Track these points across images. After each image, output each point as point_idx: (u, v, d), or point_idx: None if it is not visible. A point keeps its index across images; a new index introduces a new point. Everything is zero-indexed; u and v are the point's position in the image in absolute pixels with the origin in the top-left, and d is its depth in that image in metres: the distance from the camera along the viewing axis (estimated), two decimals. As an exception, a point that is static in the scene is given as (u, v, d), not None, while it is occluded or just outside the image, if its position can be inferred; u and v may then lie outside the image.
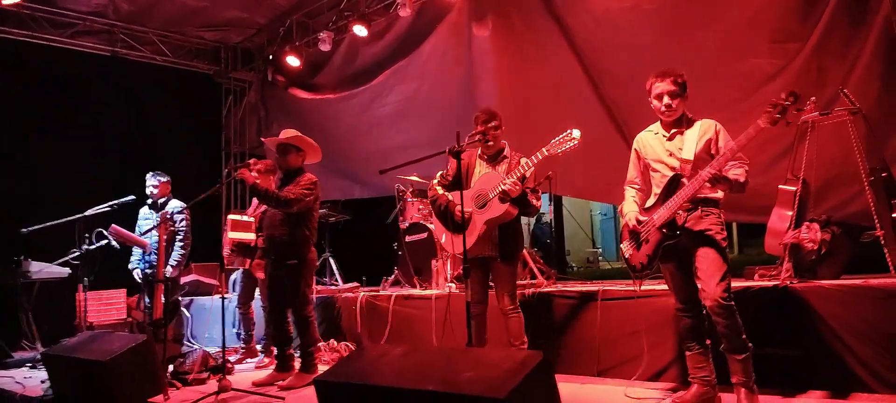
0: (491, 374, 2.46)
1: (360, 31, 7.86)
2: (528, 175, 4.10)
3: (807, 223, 4.19)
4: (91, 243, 6.02)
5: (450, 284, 5.78)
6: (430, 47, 7.61)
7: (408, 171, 6.64)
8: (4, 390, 5.26)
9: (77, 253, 6.08)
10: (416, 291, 6.05)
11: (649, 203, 3.58)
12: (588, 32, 6.17)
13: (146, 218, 6.40)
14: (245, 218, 5.90)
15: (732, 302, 3.27)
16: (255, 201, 5.99)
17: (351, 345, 5.92)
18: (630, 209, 3.68)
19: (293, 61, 8.70)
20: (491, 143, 4.23)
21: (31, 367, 6.36)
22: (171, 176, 6.48)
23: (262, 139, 6.19)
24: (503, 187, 3.98)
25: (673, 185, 3.42)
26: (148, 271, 6.16)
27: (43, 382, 5.16)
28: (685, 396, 3.59)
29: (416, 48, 7.76)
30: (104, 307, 7.41)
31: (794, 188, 4.28)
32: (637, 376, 4.19)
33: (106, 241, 6.15)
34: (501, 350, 4.02)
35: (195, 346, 6.53)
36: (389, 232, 7.25)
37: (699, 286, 3.36)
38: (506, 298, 4.18)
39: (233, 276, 6.96)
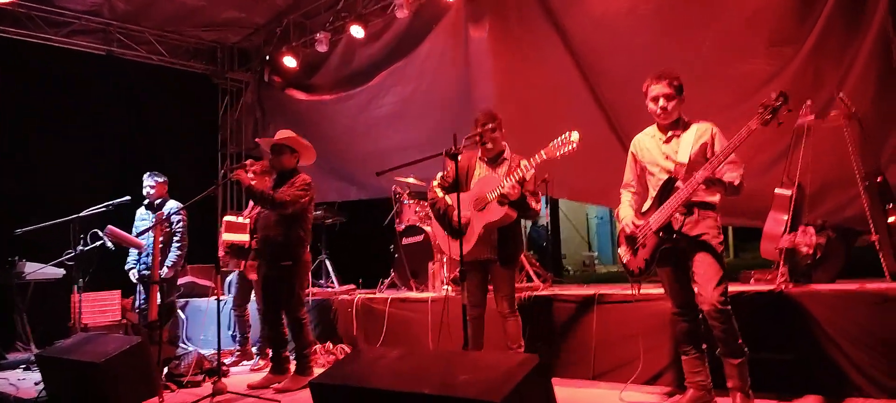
0: (487, 377, 2.46)
1: (356, 31, 7.85)
2: (527, 177, 4.08)
3: (802, 227, 4.20)
4: (86, 244, 5.99)
5: (446, 287, 5.78)
6: (428, 48, 7.62)
7: (404, 173, 6.63)
8: (-2, 391, 5.24)
9: (72, 254, 6.06)
10: (413, 294, 6.04)
11: (645, 206, 3.58)
12: (585, 34, 6.18)
13: (143, 218, 6.39)
14: (240, 219, 5.89)
15: (729, 307, 3.28)
16: (251, 202, 5.98)
17: (347, 348, 5.91)
18: (626, 213, 3.68)
19: (290, 62, 8.70)
20: (490, 146, 4.21)
21: (25, 369, 6.34)
22: (168, 176, 6.46)
23: (257, 140, 6.19)
24: (502, 190, 3.97)
25: (668, 188, 3.42)
26: (145, 272, 6.14)
27: (37, 384, 5.13)
28: (681, 400, 3.59)
29: (413, 49, 7.77)
30: (99, 308, 7.38)
31: (789, 192, 4.29)
32: (633, 380, 4.18)
33: (101, 242, 6.13)
34: (498, 353, 4.02)
35: (190, 348, 6.51)
36: (386, 235, 7.24)
37: (696, 290, 3.37)
38: (504, 302, 4.18)
39: (228, 278, 6.95)
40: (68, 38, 8.46)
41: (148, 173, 6.36)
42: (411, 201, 6.78)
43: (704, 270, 3.32)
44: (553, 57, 6.41)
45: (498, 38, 6.84)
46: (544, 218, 8.68)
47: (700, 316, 3.48)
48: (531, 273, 5.67)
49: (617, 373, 4.41)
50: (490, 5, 6.91)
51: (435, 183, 4.44)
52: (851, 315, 3.63)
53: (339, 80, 8.74)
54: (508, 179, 3.98)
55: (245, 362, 6.25)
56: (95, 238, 6.08)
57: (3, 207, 7.62)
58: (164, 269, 6.05)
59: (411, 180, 6.79)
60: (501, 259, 4.14)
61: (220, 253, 5.95)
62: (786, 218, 4.25)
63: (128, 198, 6.21)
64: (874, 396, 3.50)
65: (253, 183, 4.87)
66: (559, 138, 3.81)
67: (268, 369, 5.28)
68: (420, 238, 6.39)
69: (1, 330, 6.97)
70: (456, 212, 3.95)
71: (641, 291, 4.10)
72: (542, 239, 8.87)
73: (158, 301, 5.19)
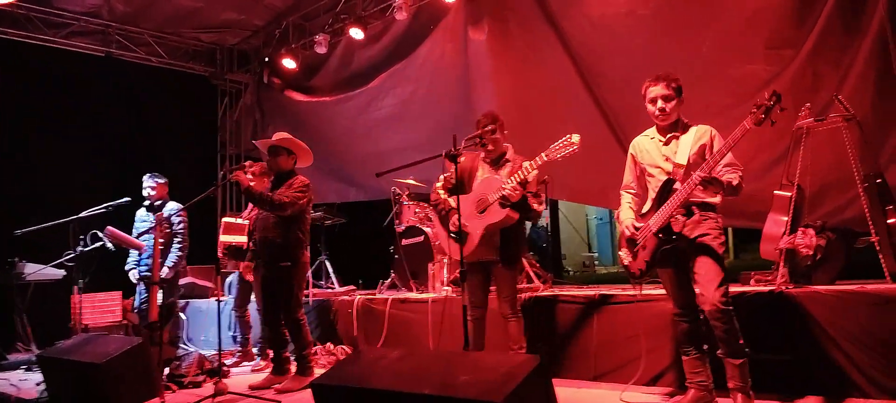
0: (488, 378, 2.47)
1: (356, 33, 7.86)
2: (530, 179, 4.08)
3: (802, 228, 4.21)
4: (86, 245, 6.00)
5: (446, 288, 5.78)
6: (427, 50, 7.63)
7: (404, 174, 6.63)
8: (-1, 392, 5.24)
9: (72, 255, 6.06)
10: (413, 295, 6.05)
11: (645, 208, 3.59)
12: (584, 36, 6.19)
13: (143, 220, 6.39)
14: (239, 220, 5.89)
15: (731, 307, 3.28)
16: (250, 203, 5.98)
17: (347, 349, 5.92)
18: (626, 216, 3.68)
19: (289, 63, 8.71)
20: (491, 147, 4.22)
21: (26, 369, 6.35)
22: (167, 177, 6.47)
23: (254, 142, 6.20)
24: (503, 192, 3.98)
25: (666, 190, 3.43)
26: (147, 274, 6.14)
27: (38, 384, 5.14)
28: (682, 401, 3.60)
29: (412, 51, 7.78)
30: (99, 309, 7.39)
31: (789, 194, 4.30)
32: (634, 380, 4.19)
33: (101, 243, 6.13)
34: (498, 353, 4.02)
35: (191, 349, 6.52)
36: (386, 236, 7.25)
37: (697, 290, 3.38)
38: (506, 303, 4.18)
39: (229, 279, 6.95)
40: (67, 39, 8.47)
41: (148, 174, 6.36)
42: (411, 202, 6.79)
43: (706, 271, 3.32)
44: (552, 58, 6.42)
45: (497, 39, 6.85)
46: (544, 220, 8.69)
47: (701, 316, 3.49)
48: (531, 274, 5.67)
49: (617, 374, 4.42)
50: (489, 7, 6.92)
51: (438, 184, 4.44)
52: (851, 315, 3.64)
53: (339, 82, 8.74)
54: (510, 181, 3.98)
55: (246, 363, 6.25)
56: (95, 239, 6.09)
57: (3, 208, 7.63)
58: (165, 270, 6.05)
59: (411, 181, 6.80)
60: (503, 260, 4.14)
61: (219, 254, 5.96)
62: (785, 219, 4.26)
63: (128, 198, 6.22)
64: (874, 396, 3.51)
65: (252, 184, 4.88)
66: (560, 140, 3.81)
67: (269, 370, 5.29)
68: (420, 239, 6.40)
69: (2, 330, 6.97)
70: (456, 217, 3.95)
71: (642, 292, 4.10)
72: (542, 240, 8.88)
73: (159, 301, 5.20)
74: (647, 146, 3.65)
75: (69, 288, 6.49)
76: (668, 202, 3.38)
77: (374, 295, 6.36)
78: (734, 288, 3.88)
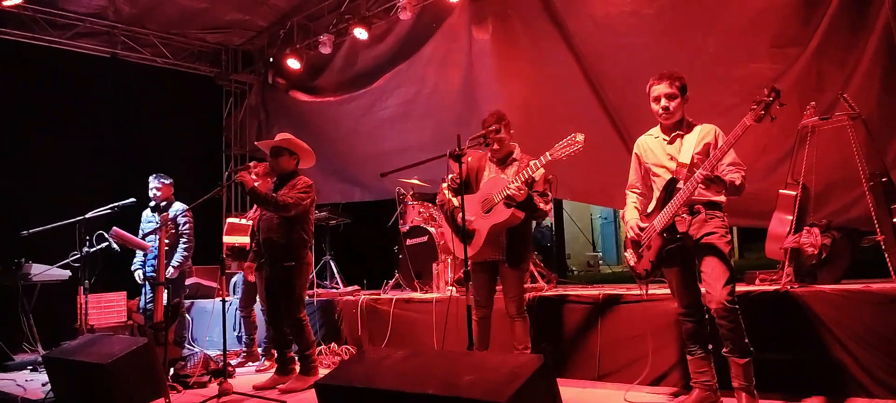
0: (492, 378, 2.47)
1: (360, 33, 7.87)
2: (536, 177, 4.08)
3: (807, 227, 4.20)
4: (92, 245, 6.02)
5: (450, 288, 5.78)
6: (431, 50, 7.63)
7: (408, 174, 6.64)
8: (5, 393, 5.26)
9: (78, 256, 6.08)
10: (417, 295, 6.05)
11: (650, 208, 3.59)
12: (588, 36, 6.18)
13: (149, 220, 6.42)
14: (243, 221, 5.91)
15: (737, 306, 3.28)
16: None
17: (351, 349, 5.92)
18: (631, 216, 3.68)
19: (294, 64, 8.72)
20: (496, 147, 4.21)
21: (31, 370, 6.37)
22: (172, 177, 6.49)
23: (256, 143, 6.22)
24: (508, 192, 3.97)
25: (670, 189, 3.43)
26: (152, 275, 6.16)
27: (44, 385, 5.16)
28: (686, 400, 3.59)
29: (416, 51, 7.78)
30: (105, 309, 7.42)
31: (794, 193, 4.29)
32: (639, 380, 4.18)
33: (106, 244, 6.16)
34: (503, 353, 4.02)
35: (196, 349, 6.53)
36: (390, 236, 7.25)
37: (704, 289, 3.37)
38: (512, 303, 4.18)
39: (234, 279, 6.97)
40: (73, 40, 8.49)
41: (154, 175, 6.39)
42: (415, 202, 6.79)
43: (712, 269, 3.32)
44: (556, 58, 6.41)
45: (501, 39, 6.85)
46: (548, 219, 8.66)
47: (706, 316, 3.49)
48: (536, 273, 5.67)
49: (622, 374, 4.41)
50: (493, 7, 6.92)
51: (444, 184, 4.44)
52: (856, 315, 3.63)
53: (343, 82, 8.75)
54: (515, 181, 3.97)
55: (251, 363, 6.27)
56: (101, 239, 6.11)
57: (7, 209, 7.67)
58: (170, 269, 6.08)
59: (415, 181, 6.81)
60: (509, 260, 4.14)
61: (224, 252, 5.97)
62: (791, 218, 4.25)
63: (133, 199, 6.25)
64: (880, 396, 3.50)
65: (256, 185, 4.89)
66: (565, 139, 3.81)
67: (273, 370, 5.30)
68: (424, 239, 6.40)
69: (8, 331, 7.00)
70: (461, 215, 3.95)
71: (647, 293, 4.09)
72: (546, 240, 8.87)
73: (164, 302, 5.22)
74: (651, 145, 3.65)
75: (75, 288, 6.52)
76: (672, 201, 3.38)
77: (379, 295, 6.37)
78: (739, 288, 3.86)
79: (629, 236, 3.65)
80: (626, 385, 4.24)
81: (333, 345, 6.02)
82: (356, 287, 7.33)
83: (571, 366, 4.67)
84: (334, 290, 7.37)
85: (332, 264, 7.75)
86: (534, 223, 8.36)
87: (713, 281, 3.31)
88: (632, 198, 3.77)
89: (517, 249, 4.16)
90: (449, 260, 5.99)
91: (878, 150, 4.29)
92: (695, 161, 3.36)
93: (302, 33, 8.88)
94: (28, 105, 8.20)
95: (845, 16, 4.75)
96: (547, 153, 3.88)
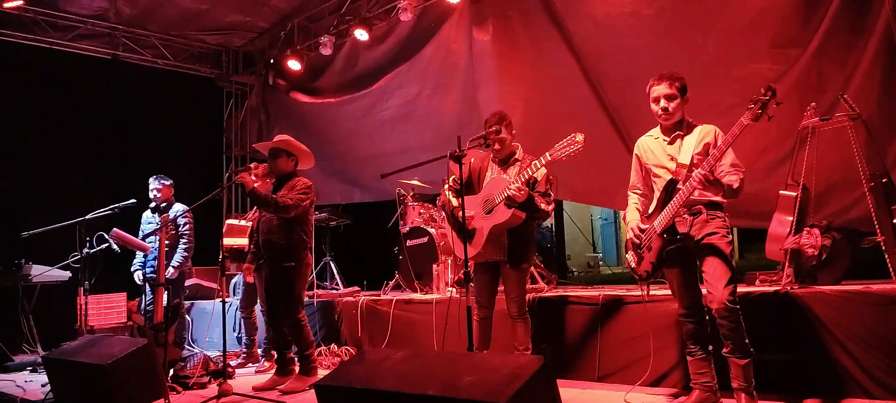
0: (492, 378, 2.47)
1: (361, 35, 7.87)
2: (538, 177, 4.08)
3: (807, 228, 4.19)
4: (92, 246, 6.02)
5: (450, 289, 5.78)
6: (432, 51, 7.63)
7: (409, 175, 6.64)
8: (5, 394, 5.26)
9: (78, 257, 6.08)
10: (417, 295, 6.05)
11: (651, 208, 3.58)
12: (588, 36, 6.18)
13: (149, 221, 6.43)
14: (242, 222, 5.92)
15: (738, 306, 3.28)
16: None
17: (351, 349, 5.92)
18: (632, 217, 3.68)
19: (294, 65, 8.72)
20: (498, 147, 4.21)
21: (31, 371, 6.38)
22: (172, 178, 6.50)
23: (254, 145, 6.22)
24: (508, 192, 3.97)
25: (670, 190, 3.43)
26: (152, 276, 6.16)
27: (43, 386, 5.17)
28: (686, 401, 3.59)
29: (417, 52, 7.78)
30: (105, 310, 7.42)
31: (794, 193, 4.29)
32: (641, 382, 4.17)
33: (106, 245, 6.16)
34: (502, 354, 4.02)
35: (196, 350, 6.53)
36: (390, 237, 7.26)
37: (705, 290, 3.37)
38: (514, 304, 4.18)
39: (234, 280, 6.96)
40: (74, 42, 8.50)
41: (154, 176, 6.40)
42: (415, 203, 6.79)
43: (714, 270, 3.32)
44: (556, 58, 6.41)
45: (501, 40, 6.85)
46: (549, 220, 8.67)
47: (706, 317, 3.49)
48: (536, 274, 5.67)
49: (622, 375, 4.41)
50: (493, 8, 6.92)
51: (446, 186, 4.44)
52: (857, 316, 3.62)
53: (344, 84, 8.76)
54: (516, 181, 3.97)
55: (251, 364, 6.26)
56: (101, 240, 6.12)
57: (7, 209, 7.67)
58: (170, 269, 6.08)
59: (415, 182, 6.81)
60: (510, 261, 4.14)
61: (221, 256, 5.97)
62: (791, 219, 4.25)
63: (133, 200, 6.25)
64: (879, 397, 3.50)
65: (257, 186, 4.90)
66: (564, 139, 3.80)
67: (273, 371, 5.30)
68: (424, 240, 6.40)
69: (7, 332, 7.00)
70: (464, 215, 3.95)
71: (648, 294, 4.09)
72: (546, 241, 8.88)
73: (164, 303, 5.22)
74: (651, 146, 3.64)
75: (75, 289, 6.53)
76: (672, 202, 3.38)
77: (379, 295, 6.37)
78: (739, 289, 3.86)
79: (629, 236, 3.65)
80: (626, 386, 4.23)
81: (333, 346, 6.02)
82: (356, 288, 7.34)
83: (571, 367, 4.67)
84: (334, 291, 7.37)
85: (332, 265, 7.75)
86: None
87: (715, 281, 3.31)
88: (633, 199, 3.77)
89: (519, 250, 4.16)
90: (449, 261, 5.99)
91: (878, 151, 4.29)
92: (695, 161, 3.35)
93: (302, 34, 8.88)
94: (29, 106, 8.21)
95: (845, 16, 4.75)
96: (547, 153, 3.87)
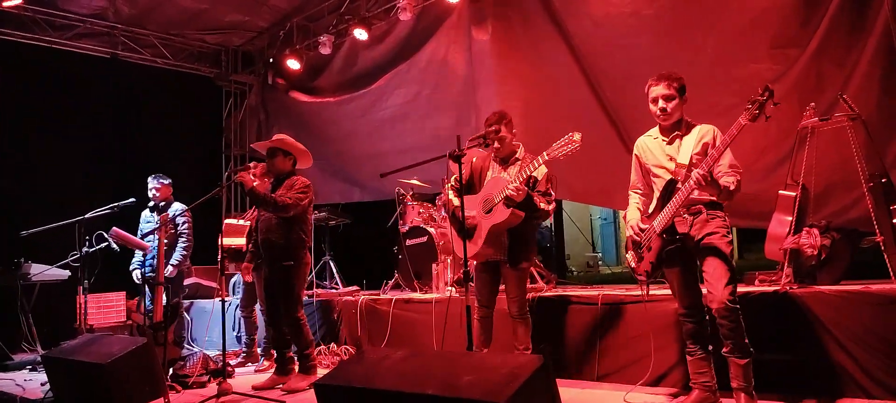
0: (491, 378, 2.47)
1: (360, 34, 7.87)
2: (538, 177, 4.07)
3: (807, 228, 4.19)
4: (91, 245, 6.02)
5: (450, 288, 5.78)
6: (431, 51, 7.63)
7: (408, 175, 6.64)
8: (4, 392, 5.26)
9: (77, 256, 6.08)
10: (417, 295, 6.05)
11: (650, 208, 3.59)
12: (587, 36, 6.18)
13: (148, 220, 6.43)
14: (240, 222, 5.92)
15: (738, 306, 3.29)
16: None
17: (351, 349, 5.92)
18: (633, 217, 3.68)
19: (293, 64, 8.72)
20: (498, 146, 4.21)
21: (31, 370, 6.37)
22: (171, 178, 6.49)
23: (252, 146, 6.22)
24: (507, 192, 3.97)
25: (669, 190, 3.43)
26: (150, 275, 6.16)
27: (43, 385, 5.16)
28: (686, 401, 3.59)
29: (416, 52, 7.78)
30: (104, 309, 7.42)
31: (793, 193, 4.29)
32: (643, 382, 4.17)
33: (106, 244, 6.16)
34: (502, 354, 4.02)
35: (195, 349, 6.53)
36: (389, 236, 7.25)
37: (706, 289, 3.37)
38: (514, 304, 4.19)
39: (233, 279, 6.96)
40: (73, 41, 8.50)
41: (152, 175, 6.39)
42: (415, 202, 6.79)
43: (714, 269, 3.32)
44: (555, 59, 6.42)
45: (500, 39, 6.85)
46: (548, 219, 8.68)
47: (706, 317, 3.49)
48: (535, 274, 5.67)
49: (621, 374, 4.41)
50: (493, 7, 6.92)
51: (448, 186, 4.44)
52: (856, 316, 3.63)
53: (343, 83, 8.76)
54: (515, 181, 3.97)
55: (251, 363, 6.26)
56: (101, 239, 6.11)
57: (7, 209, 7.67)
58: (168, 267, 6.08)
59: (415, 182, 6.81)
60: (510, 260, 4.14)
61: (220, 255, 5.97)
62: (790, 219, 4.25)
63: (132, 200, 6.25)
64: (878, 397, 3.50)
65: (256, 185, 4.90)
66: (562, 139, 3.80)
67: (272, 370, 5.30)
68: (424, 239, 6.40)
69: (7, 331, 7.00)
70: (465, 215, 3.95)
71: (648, 293, 4.10)
72: (545, 240, 8.87)
73: (164, 302, 5.22)
74: (650, 146, 3.65)
75: (74, 288, 6.53)
76: (672, 202, 3.38)
77: (378, 295, 6.37)
78: (739, 289, 3.86)
79: (629, 234, 3.65)
80: (625, 385, 4.23)
81: (333, 345, 6.02)
82: (355, 287, 7.33)
83: (571, 367, 4.67)
84: (334, 290, 7.37)
85: (332, 264, 7.75)
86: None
87: (715, 281, 3.31)
88: (634, 199, 3.78)
89: (518, 250, 4.16)
90: (448, 261, 6.00)
91: (877, 151, 4.29)
92: (694, 161, 3.36)
93: (302, 34, 8.88)
94: (28, 105, 8.20)
95: (845, 17, 4.75)
96: (544, 153, 3.87)
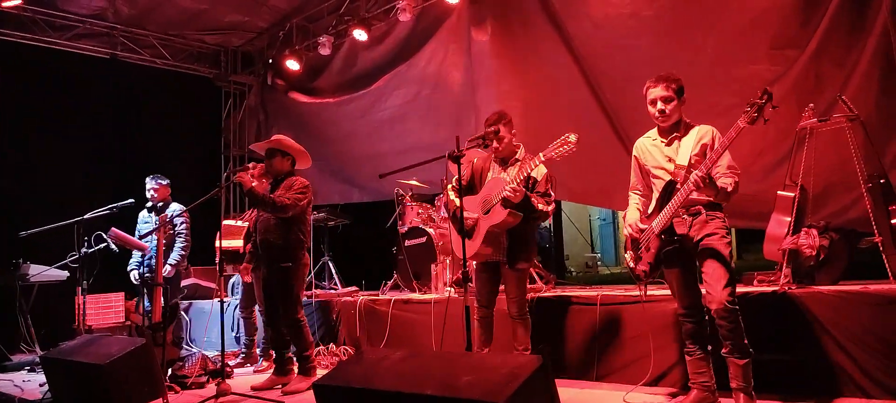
0: (490, 378, 2.47)
1: (359, 35, 7.87)
2: (536, 177, 4.07)
3: (805, 229, 4.20)
4: (90, 246, 6.02)
5: (449, 289, 5.79)
6: (430, 51, 7.63)
7: (407, 175, 6.64)
8: (3, 393, 5.26)
9: (76, 256, 6.08)
10: (416, 295, 6.05)
11: (650, 209, 3.59)
12: (587, 37, 6.18)
13: (145, 221, 6.42)
14: (238, 223, 5.92)
15: (737, 306, 3.29)
16: (252, 204, 5.99)
17: (350, 349, 5.92)
18: (632, 217, 3.69)
19: (293, 65, 8.72)
20: (497, 146, 4.21)
21: (29, 371, 6.37)
22: (170, 178, 6.49)
23: (250, 146, 6.22)
24: (504, 193, 3.97)
25: (668, 191, 3.43)
26: (148, 275, 6.16)
27: (41, 385, 5.16)
28: (685, 401, 3.59)
29: (416, 52, 7.79)
30: (103, 310, 7.41)
31: (792, 194, 4.29)
32: (643, 382, 4.18)
33: (105, 244, 6.15)
34: (501, 354, 4.03)
35: (194, 350, 6.53)
36: (388, 237, 7.25)
37: (704, 290, 3.38)
38: (513, 304, 4.19)
39: (232, 280, 6.95)
40: (72, 41, 8.49)
41: (150, 176, 6.39)
42: (414, 203, 6.80)
43: (713, 270, 3.33)
44: (555, 59, 6.42)
45: (500, 40, 6.85)
46: (547, 220, 8.68)
47: (706, 317, 3.49)
48: (534, 274, 5.67)
49: (621, 374, 4.42)
50: (492, 8, 6.92)
51: (449, 186, 4.45)
52: (854, 316, 3.63)
53: (342, 84, 8.76)
54: (513, 182, 3.97)
55: (250, 364, 6.26)
56: (99, 240, 6.11)
57: (7, 209, 7.66)
58: (166, 267, 6.07)
59: (414, 182, 6.81)
60: (509, 261, 4.15)
61: (218, 256, 5.97)
62: (789, 220, 4.25)
63: (132, 200, 6.25)
64: (877, 397, 3.50)
65: (255, 185, 4.90)
66: (557, 140, 3.80)
67: (271, 370, 5.29)
68: (423, 240, 6.40)
69: (5, 332, 7.00)
70: (464, 216, 3.95)
71: (647, 294, 4.10)
72: (545, 241, 8.87)
73: (162, 302, 5.21)
74: (649, 147, 3.65)
75: (73, 289, 6.52)
76: (671, 203, 3.39)
77: (377, 295, 6.37)
78: (737, 289, 3.87)
79: (627, 233, 3.65)
80: (624, 385, 4.24)
81: (332, 346, 6.02)
82: (354, 287, 7.33)
83: (570, 367, 4.67)
84: (332, 291, 7.37)
85: (331, 265, 7.75)
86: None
87: (714, 281, 3.32)
88: (634, 200, 3.78)
89: (518, 250, 4.16)
90: (447, 261, 6.00)
91: (876, 152, 4.29)
92: (693, 163, 3.36)
93: (301, 34, 8.88)
94: (28, 106, 8.20)
95: (844, 17, 4.75)
96: (541, 154, 3.87)
